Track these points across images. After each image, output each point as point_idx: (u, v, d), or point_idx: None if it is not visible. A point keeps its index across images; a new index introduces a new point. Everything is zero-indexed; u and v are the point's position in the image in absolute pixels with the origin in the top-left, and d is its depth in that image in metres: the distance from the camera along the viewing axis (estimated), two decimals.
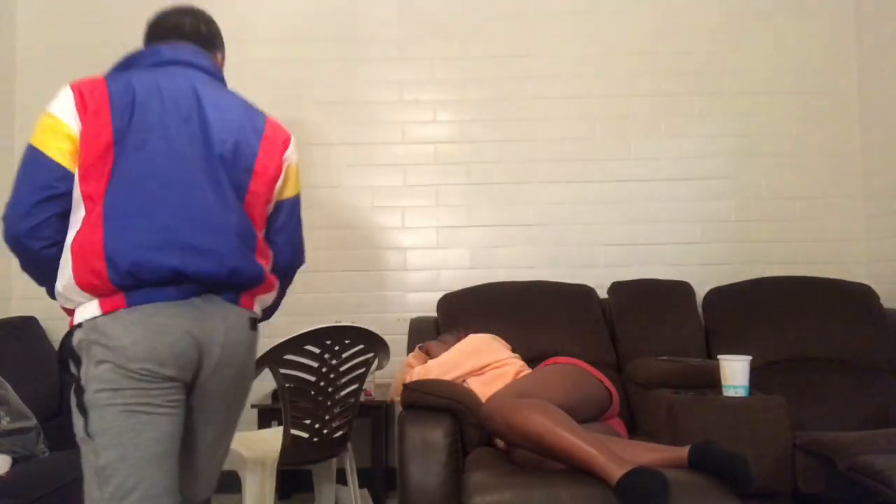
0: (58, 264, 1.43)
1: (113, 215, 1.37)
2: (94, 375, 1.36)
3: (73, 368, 1.41)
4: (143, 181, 1.40)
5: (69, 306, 1.43)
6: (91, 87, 1.43)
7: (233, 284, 1.47)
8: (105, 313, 1.37)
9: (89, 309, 1.38)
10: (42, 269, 1.47)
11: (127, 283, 1.36)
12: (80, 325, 1.40)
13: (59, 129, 1.40)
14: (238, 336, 1.50)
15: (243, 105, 1.60)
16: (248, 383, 1.62)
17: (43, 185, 1.39)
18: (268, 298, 1.64)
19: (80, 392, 1.38)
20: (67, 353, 1.42)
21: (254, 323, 1.57)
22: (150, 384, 1.37)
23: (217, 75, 1.62)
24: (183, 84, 1.50)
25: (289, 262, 1.72)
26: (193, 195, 1.43)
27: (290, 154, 1.65)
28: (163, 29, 1.63)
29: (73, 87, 1.43)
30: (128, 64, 1.54)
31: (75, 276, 1.37)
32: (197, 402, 1.48)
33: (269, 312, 1.76)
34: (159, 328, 1.37)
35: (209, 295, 1.44)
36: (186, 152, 1.45)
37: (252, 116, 1.59)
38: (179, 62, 1.55)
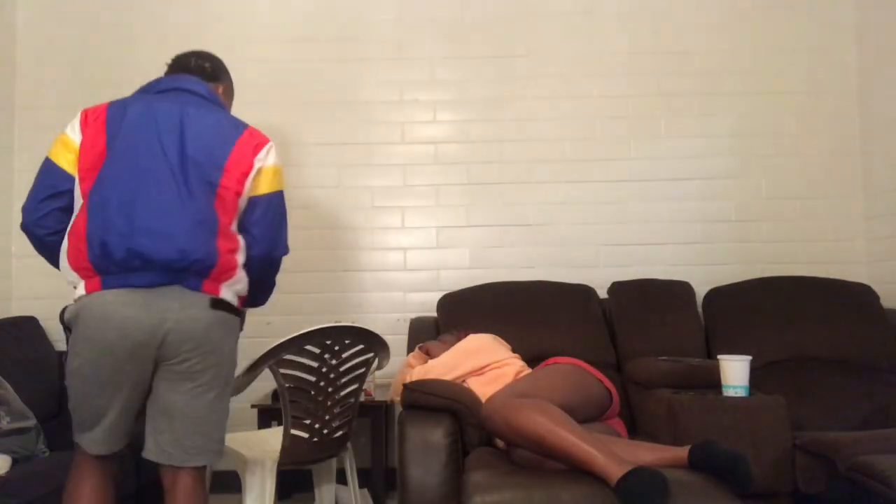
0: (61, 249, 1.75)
1: (94, 206, 1.70)
2: (72, 348, 1.71)
3: (66, 333, 1.77)
4: (120, 179, 1.71)
5: (71, 285, 1.74)
6: (94, 109, 1.80)
7: (188, 267, 1.69)
8: (87, 294, 1.68)
9: (80, 288, 1.70)
10: (49, 253, 1.82)
11: (102, 264, 1.67)
12: (74, 301, 1.72)
13: (68, 143, 1.78)
14: (194, 313, 1.71)
15: (227, 119, 1.87)
16: (214, 357, 1.76)
17: (49, 185, 1.77)
18: (236, 283, 1.82)
19: (68, 352, 1.74)
20: (63, 325, 1.77)
21: (217, 304, 1.76)
22: (104, 366, 1.66)
23: (210, 99, 1.91)
24: (173, 105, 1.80)
25: (265, 252, 1.91)
26: (159, 189, 1.72)
27: (263, 157, 1.87)
28: (174, 67, 2.04)
29: (82, 112, 1.80)
30: (144, 90, 1.90)
31: (69, 257, 1.71)
32: (162, 374, 1.73)
33: (254, 299, 1.96)
34: (110, 314, 1.65)
35: (172, 286, 1.69)
36: (161, 157, 1.74)
37: (232, 126, 1.86)
38: (175, 89, 1.88)
